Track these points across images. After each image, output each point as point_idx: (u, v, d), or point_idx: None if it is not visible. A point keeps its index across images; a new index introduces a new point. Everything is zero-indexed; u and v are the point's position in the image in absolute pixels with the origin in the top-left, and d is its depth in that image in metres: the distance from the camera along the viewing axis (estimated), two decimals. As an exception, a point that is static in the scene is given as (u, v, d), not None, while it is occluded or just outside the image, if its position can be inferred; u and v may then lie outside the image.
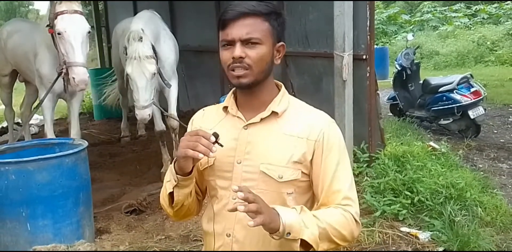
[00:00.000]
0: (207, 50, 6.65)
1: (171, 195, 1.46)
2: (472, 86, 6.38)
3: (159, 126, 4.82)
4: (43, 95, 4.21)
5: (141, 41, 4.01)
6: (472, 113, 6.17)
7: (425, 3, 19.52)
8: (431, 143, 5.20)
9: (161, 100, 4.92)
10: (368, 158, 4.37)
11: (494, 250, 3.31)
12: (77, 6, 3.84)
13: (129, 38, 4.04)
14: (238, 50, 1.36)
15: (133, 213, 4.08)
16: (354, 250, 3.30)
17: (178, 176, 1.40)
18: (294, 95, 1.60)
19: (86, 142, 3.48)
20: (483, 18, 17.29)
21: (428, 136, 6.40)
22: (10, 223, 3.07)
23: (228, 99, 1.52)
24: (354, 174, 3.96)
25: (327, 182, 1.42)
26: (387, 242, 3.39)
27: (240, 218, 1.42)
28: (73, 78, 3.72)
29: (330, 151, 1.43)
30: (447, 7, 18.83)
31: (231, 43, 1.38)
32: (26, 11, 27.32)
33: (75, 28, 3.76)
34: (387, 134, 5.04)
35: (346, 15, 4.14)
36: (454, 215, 3.54)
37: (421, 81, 7.18)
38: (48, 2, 4.07)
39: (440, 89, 6.47)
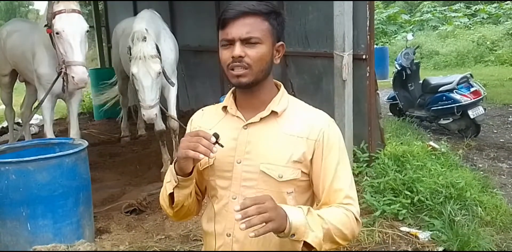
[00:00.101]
0: (207, 50, 6.65)
1: (171, 195, 1.46)
2: (472, 86, 6.39)
3: (159, 125, 4.82)
4: (43, 95, 4.20)
5: (145, 41, 4.02)
6: (472, 113, 6.18)
7: (425, 3, 19.52)
8: (431, 143, 5.21)
9: (161, 100, 4.91)
10: (368, 158, 4.38)
11: (494, 249, 3.31)
12: (75, 5, 3.83)
13: (133, 38, 4.04)
14: (237, 50, 1.36)
15: (133, 212, 4.09)
16: (354, 250, 3.30)
17: (178, 176, 1.40)
18: (294, 95, 1.60)
19: (86, 141, 3.48)
20: (483, 18, 17.29)
21: (428, 135, 6.40)
22: (10, 222, 3.07)
23: (227, 99, 1.52)
24: (354, 173, 3.98)
25: (328, 181, 1.42)
26: (387, 241, 3.39)
27: (240, 218, 1.43)
28: (73, 77, 3.71)
29: (331, 151, 1.44)
30: (446, 7, 18.83)
31: (230, 43, 1.38)
32: (26, 11, 27.32)
33: (73, 27, 3.75)
34: (387, 133, 5.04)
35: (346, 15, 4.15)
36: (454, 215, 3.54)
37: (421, 81, 7.18)
38: (46, 1, 4.07)
39: (440, 89, 6.47)
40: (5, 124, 7.06)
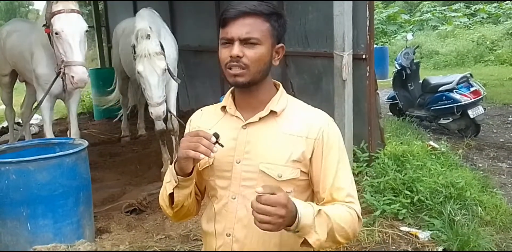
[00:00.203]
0: (207, 50, 6.65)
1: (171, 196, 1.46)
2: (472, 86, 6.39)
3: (159, 125, 4.82)
4: (42, 95, 4.19)
5: (149, 38, 4.02)
6: (471, 113, 6.18)
7: (425, 3, 19.51)
8: (431, 142, 5.21)
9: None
10: (368, 157, 4.38)
11: (494, 249, 3.31)
12: (74, 5, 3.81)
13: (137, 37, 4.04)
14: (236, 49, 1.36)
15: (133, 212, 4.09)
16: (354, 249, 3.31)
17: (178, 176, 1.40)
18: (293, 95, 1.60)
19: (86, 141, 3.48)
20: (483, 18, 17.30)
21: (428, 135, 6.40)
22: (11, 222, 3.07)
23: (226, 99, 1.52)
24: (354, 173, 3.98)
25: (329, 180, 1.42)
26: (387, 241, 3.39)
27: (240, 217, 1.43)
28: (73, 77, 3.70)
29: (331, 150, 1.44)
30: (446, 7, 18.83)
31: (230, 42, 1.38)
32: (26, 11, 27.30)
33: (72, 27, 3.74)
34: (386, 133, 5.04)
35: (345, 15, 4.15)
36: (454, 214, 3.54)
37: (420, 81, 7.18)
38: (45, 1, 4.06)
39: (440, 89, 6.48)
40: (5, 124, 7.07)
